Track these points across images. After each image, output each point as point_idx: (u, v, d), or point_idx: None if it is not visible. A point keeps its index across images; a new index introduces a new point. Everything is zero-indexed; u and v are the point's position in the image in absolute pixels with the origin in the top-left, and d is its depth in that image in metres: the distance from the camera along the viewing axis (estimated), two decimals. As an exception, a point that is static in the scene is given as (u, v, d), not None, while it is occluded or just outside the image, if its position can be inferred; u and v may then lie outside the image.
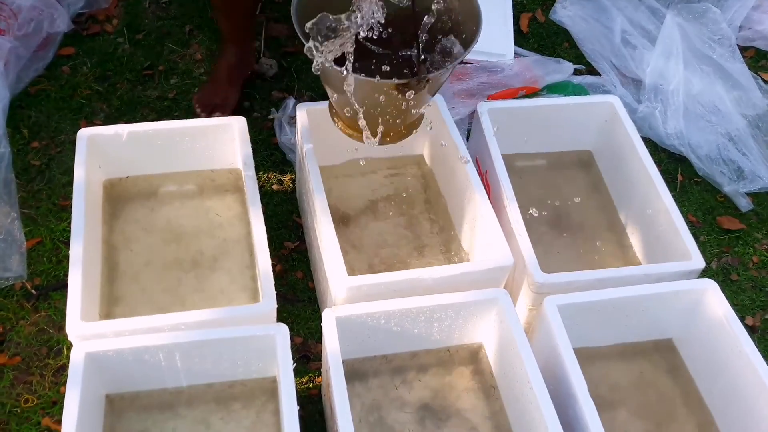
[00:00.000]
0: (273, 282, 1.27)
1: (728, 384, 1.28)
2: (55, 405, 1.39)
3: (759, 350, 1.24)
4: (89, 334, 1.18)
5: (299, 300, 1.59)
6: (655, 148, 1.89)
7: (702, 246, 1.71)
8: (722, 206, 1.80)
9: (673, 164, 1.87)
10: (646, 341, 1.42)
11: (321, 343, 1.51)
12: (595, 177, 1.72)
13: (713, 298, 1.29)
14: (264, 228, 1.34)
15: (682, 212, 1.44)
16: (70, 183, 1.73)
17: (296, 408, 1.11)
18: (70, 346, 1.46)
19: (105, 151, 1.51)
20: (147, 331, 1.19)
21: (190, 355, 1.21)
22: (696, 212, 1.78)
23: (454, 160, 1.51)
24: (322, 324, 1.25)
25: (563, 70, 1.98)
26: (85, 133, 1.48)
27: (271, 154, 1.82)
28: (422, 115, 1.38)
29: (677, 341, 1.42)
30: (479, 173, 1.50)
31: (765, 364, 1.20)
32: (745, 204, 1.77)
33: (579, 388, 1.15)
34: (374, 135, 1.30)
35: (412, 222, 1.62)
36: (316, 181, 1.40)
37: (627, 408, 1.35)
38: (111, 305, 1.41)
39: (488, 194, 1.46)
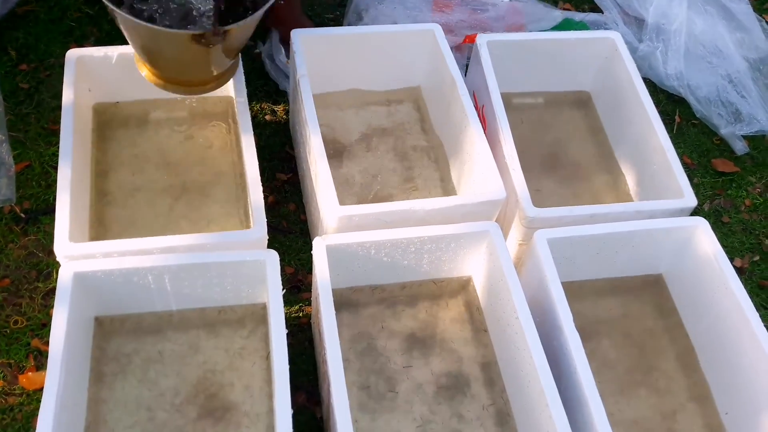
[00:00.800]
0: (264, 209, 1.26)
1: (713, 321, 1.29)
2: (45, 327, 1.40)
3: (746, 291, 1.26)
4: (78, 254, 1.18)
5: (291, 231, 1.59)
6: (653, 88, 1.87)
7: (695, 188, 1.70)
8: (718, 149, 1.79)
9: (671, 105, 1.86)
10: (635, 276, 1.43)
11: (312, 273, 1.52)
12: (592, 118, 1.70)
13: (703, 235, 1.30)
14: (255, 154, 1.33)
15: (677, 153, 1.43)
16: (60, 107, 1.70)
17: (285, 332, 1.12)
18: (59, 269, 1.47)
19: (94, 74, 1.48)
20: (137, 254, 1.19)
21: (180, 278, 1.21)
22: (691, 154, 1.78)
23: (451, 94, 1.49)
24: (313, 254, 1.25)
25: (552, 17, 1.93)
26: (73, 55, 1.45)
27: (265, 84, 1.79)
28: (235, 66, 1.39)
29: (667, 277, 1.43)
30: (476, 108, 1.49)
31: (750, 302, 1.21)
32: (740, 147, 1.76)
33: (564, 319, 1.16)
34: (176, 83, 1.31)
35: (406, 155, 1.60)
36: (309, 110, 1.37)
37: (611, 339, 1.37)
38: (100, 230, 1.41)
39: (484, 130, 1.44)
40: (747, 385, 1.20)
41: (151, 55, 1.29)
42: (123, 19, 1.16)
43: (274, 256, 1.20)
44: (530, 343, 1.13)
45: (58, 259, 1.20)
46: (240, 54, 1.40)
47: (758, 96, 1.80)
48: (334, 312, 1.15)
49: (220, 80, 1.37)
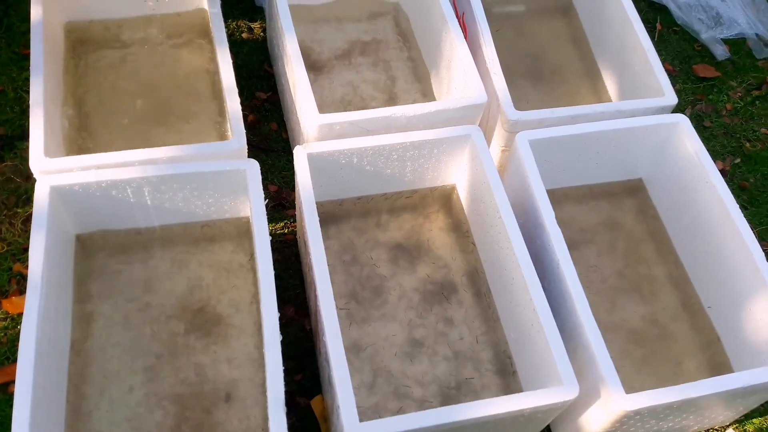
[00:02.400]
0: (242, 120, 1.24)
1: (694, 218, 1.31)
2: (26, 252, 1.39)
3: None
4: (54, 168, 1.15)
5: (273, 150, 1.57)
6: (635, -3, 1.84)
7: (678, 94, 1.68)
8: (699, 55, 1.78)
9: (652, 13, 1.83)
10: (616, 182, 1.43)
11: (295, 190, 1.51)
12: (573, 25, 1.67)
13: (684, 132, 1.29)
14: (231, 63, 1.30)
15: (659, 61, 1.42)
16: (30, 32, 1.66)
17: (268, 238, 1.11)
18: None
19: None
20: (114, 167, 1.16)
21: (160, 191, 1.19)
22: (673, 61, 1.76)
23: (431, 2, 1.45)
24: (294, 163, 1.23)
25: None
26: (38, -30, 1.39)
27: (240, 1, 1.74)
28: None
29: (647, 181, 1.43)
30: (456, 16, 1.45)
31: (730, 194, 1.22)
32: (721, 52, 1.75)
33: (546, 216, 1.16)
34: None
35: (387, 68, 1.58)
36: (285, 19, 1.34)
37: (596, 247, 1.38)
38: (76, 151, 1.38)
39: (465, 37, 1.42)
40: (728, 276, 1.22)
41: None
42: None
43: (254, 165, 1.19)
44: (513, 240, 1.13)
45: (34, 175, 1.18)
46: None
47: (738, 0, 1.78)
48: (318, 219, 1.14)
49: None
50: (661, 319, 1.30)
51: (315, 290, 1.10)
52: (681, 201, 1.34)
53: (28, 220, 1.43)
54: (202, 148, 1.22)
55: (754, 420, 1.31)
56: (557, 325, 1.06)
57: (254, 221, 1.15)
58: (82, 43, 1.51)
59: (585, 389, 1.05)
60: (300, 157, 1.21)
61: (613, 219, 1.42)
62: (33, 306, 1.02)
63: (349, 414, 0.95)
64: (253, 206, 1.16)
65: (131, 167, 1.16)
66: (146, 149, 1.19)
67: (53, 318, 1.08)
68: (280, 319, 1.05)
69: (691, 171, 1.29)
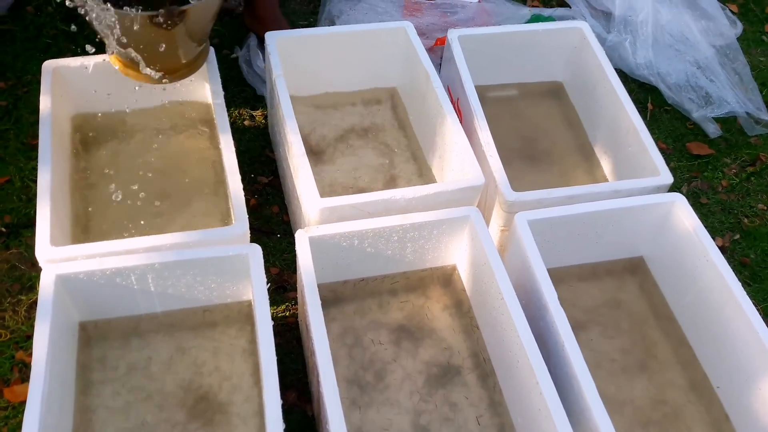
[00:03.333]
0: (245, 205, 1.26)
1: (697, 296, 1.31)
2: (29, 339, 1.38)
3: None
4: (59, 257, 1.17)
5: (274, 232, 1.59)
6: (624, 78, 1.90)
7: (672, 172, 1.71)
8: (692, 133, 1.82)
9: (643, 94, 1.89)
10: (617, 260, 1.44)
11: (297, 273, 1.52)
12: (566, 107, 1.72)
13: (682, 211, 1.31)
14: (233, 150, 1.33)
15: (652, 140, 1.45)
16: (38, 122, 1.71)
17: (270, 324, 1.12)
18: (42, 280, 1.46)
19: (72, 84, 1.48)
20: (119, 254, 1.18)
21: (163, 278, 1.20)
22: (666, 139, 1.80)
23: (426, 88, 1.51)
24: (296, 247, 1.25)
25: (520, 15, 1.97)
26: (50, 66, 1.45)
27: (242, 91, 1.80)
28: (204, 53, 1.44)
29: (648, 259, 1.44)
30: (451, 102, 1.50)
31: (732, 272, 1.23)
32: (713, 130, 1.79)
33: (549, 297, 1.16)
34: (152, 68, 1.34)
35: (385, 153, 1.61)
36: (286, 107, 1.38)
37: (600, 327, 1.37)
38: (82, 238, 1.40)
39: (460, 122, 1.46)
40: (735, 355, 1.21)
41: (119, 43, 1.31)
42: (90, 6, 1.20)
43: (257, 250, 1.20)
44: (516, 322, 1.13)
45: (40, 264, 1.19)
46: (209, 43, 1.44)
47: (726, 79, 1.84)
48: (319, 302, 1.14)
49: (191, 67, 1.40)
50: (669, 399, 1.28)
51: (318, 376, 1.09)
52: (683, 279, 1.34)
53: (31, 307, 1.43)
54: (205, 234, 1.23)
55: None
56: (564, 408, 1.05)
57: (256, 306, 1.15)
58: (89, 132, 1.55)
59: (594, 475, 1.03)
60: (302, 241, 1.23)
61: (616, 298, 1.42)
62: (36, 395, 1.01)
63: (353, 506, 0.93)
64: (255, 291, 1.17)
65: (135, 254, 1.17)
66: (150, 237, 1.21)
67: (56, 408, 1.07)
68: (282, 405, 1.04)
69: (691, 249, 1.30)
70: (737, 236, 1.64)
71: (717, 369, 1.27)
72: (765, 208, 1.70)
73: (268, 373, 1.06)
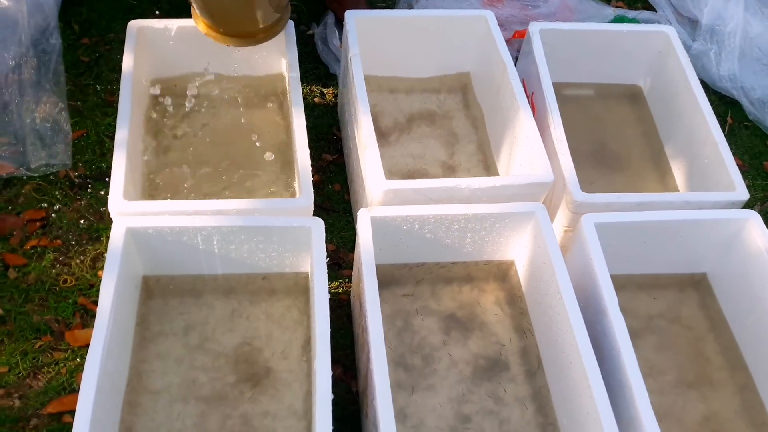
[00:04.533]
0: (311, 178, 1.28)
1: (760, 318, 1.27)
2: (92, 288, 1.44)
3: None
4: (130, 211, 1.20)
5: (335, 210, 1.60)
6: (706, 89, 1.84)
7: (747, 190, 1.67)
8: (770, 152, 1.77)
9: (723, 107, 1.83)
10: (679, 274, 1.41)
11: (353, 252, 1.53)
12: (642, 112, 1.68)
13: (754, 228, 1.27)
14: (304, 124, 1.35)
15: (728, 153, 1.41)
16: (118, 80, 1.76)
17: (327, 294, 1.13)
18: (109, 234, 1.50)
19: (153, 45, 1.52)
20: (187, 214, 1.21)
21: (228, 241, 1.23)
22: (743, 156, 1.75)
23: (502, 79, 1.49)
24: (356, 226, 1.26)
25: (603, 15, 1.92)
26: (134, 26, 1.49)
27: (315, 68, 1.82)
28: (283, 21, 1.46)
29: (711, 277, 1.40)
30: (525, 94, 1.48)
31: (802, 296, 1.19)
32: (794, 150, 1.73)
33: (609, 302, 1.15)
34: (228, 35, 1.39)
35: (452, 140, 1.61)
36: (360, 87, 1.39)
37: (655, 339, 1.34)
38: (150, 199, 1.44)
39: (533, 116, 1.44)
40: (794, 381, 1.18)
41: (202, 4, 1.36)
42: None
43: (320, 224, 1.22)
44: (573, 323, 1.12)
45: (112, 216, 1.23)
46: (289, 11, 1.47)
47: (813, 99, 1.77)
48: (376, 281, 1.15)
49: (269, 32, 1.43)
50: (719, 420, 1.25)
51: (368, 352, 1.10)
52: (747, 299, 1.30)
53: (97, 258, 1.48)
54: (271, 203, 1.26)
55: None
56: (614, 415, 1.03)
57: (315, 277, 1.17)
58: (164, 95, 1.59)
59: (638, 485, 1.01)
60: (363, 220, 1.24)
61: (674, 312, 1.39)
62: (99, 338, 1.05)
63: (393, 484, 0.94)
64: (315, 262, 1.18)
65: (203, 216, 1.20)
66: (218, 200, 1.24)
67: (115, 353, 1.10)
68: (329, 373, 1.06)
69: (760, 269, 1.26)
70: (808, 262, 1.58)
71: (775, 395, 1.24)
72: (841, 236, 1.63)
73: (321, 341, 1.07)
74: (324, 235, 1.21)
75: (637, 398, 1.04)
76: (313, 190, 1.26)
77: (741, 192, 1.32)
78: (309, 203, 1.25)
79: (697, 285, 1.41)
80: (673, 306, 1.39)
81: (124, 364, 1.20)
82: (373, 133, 1.32)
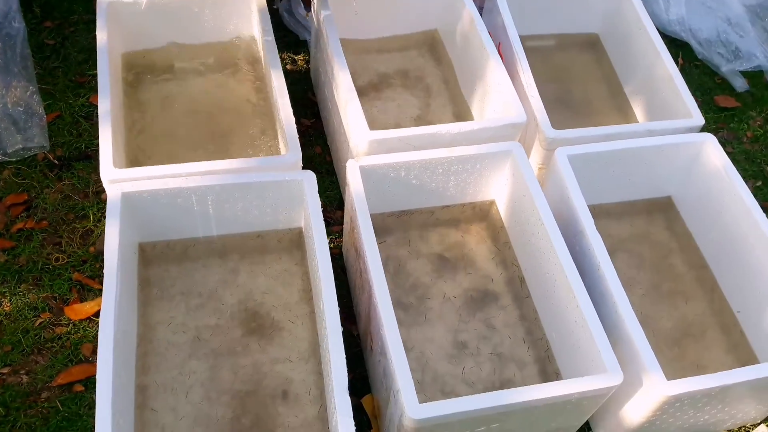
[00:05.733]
0: (297, 134, 1.32)
1: (723, 230, 1.37)
2: (85, 263, 1.46)
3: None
4: (122, 178, 1.22)
5: (318, 171, 1.65)
6: (655, 33, 1.95)
7: (700, 123, 1.79)
8: (719, 87, 1.88)
9: (674, 49, 1.94)
10: (647, 199, 1.50)
11: (340, 210, 1.59)
12: (601, 57, 1.78)
13: (712, 150, 1.37)
14: (285, 85, 1.39)
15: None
16: (86, 61, 1.77)
17: (326, 239, 1.18)
18: (95, 211, 1.53)
19: (124, 19, 1.54)
20: (180, 176, 1.24)
21: (222, 200, 1.27)
22: (695, 93, 1.86)
23: (470, 30, 1.56)
24: (346, 176, 1.31)
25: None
26: (104, 1, 1.50)
27: (284, 36, 1.86)
28: None
29: (675, 199, 1.50)
30: (491, 45, 1.55)
31: (757, 204, 1.29)
32: (740, 84, 1.84)
33: (586, 223, 1.23)
34: None
35: (425, 94, 1.67)
36: (334, 44, 1.44)
37: (628, 258, 1.44)
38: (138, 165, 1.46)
39: (500, 64, 1.51)
40: (756, 280, 1.28)
41: None
42: None
43: (311, 176, 1.27)
44: (555, 244, 1.20)
45: (104, 184, 1.25)
46: None
47: (755, 36, 1.89)
48: (369, 217, 1.21)
49: None
50: (691, 324, 1.35)
51: (370, 287, 1.16)
52: (709, 215, 1.41)
53: (86, 233, 1.50)
54: (261, 162, 1.30)
55: (789, 425, 1.34)
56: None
57: (313, 223, 1.21)
58: (139, 68, 1.61)
59: (626, 381, 1.10)
60: (352, 170, 1.29)
61: (644, 233, 1.48)
62: (110, 299, 1.07)
63: (409, 396, 1.00)
64: (311, 212, 1.23)
65: (197, 176, 1.24)
66: (208, 162, 1.27)
67: (126, 314, 1.14)
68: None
69: (719, 186, 1.36)
70: (759, 183, 1.70)
71: (738, 296, 1.35)
72: (788, 158, 1.76)
73: (326, 282, 1.13)
74: (316, 186, 1.26)
75: (618, 304, 1.13)
76: (299, 145, 1.31)
77: (697, 118, 1.41)
78: (297, 159, 1.30)
79: (663, 208, 1.51)
80: (643, 228, 1.49)
81: (132, 326, 1.23)
82: (353, 88, 1.37)
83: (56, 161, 1.60)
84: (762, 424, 1.33)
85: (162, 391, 1.20)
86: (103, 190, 1.56)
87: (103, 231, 1.50)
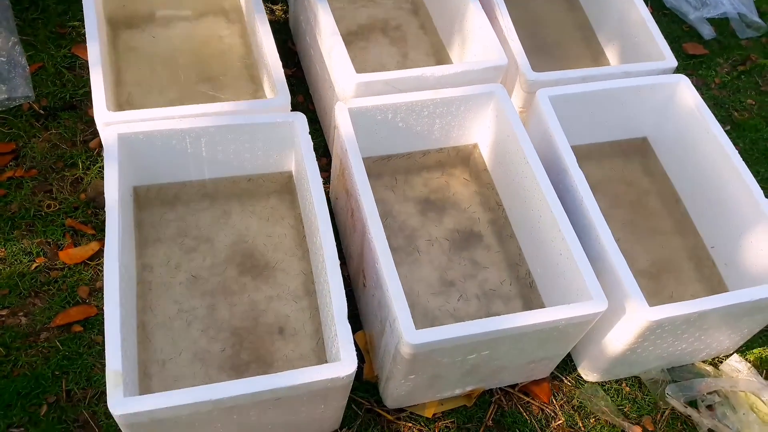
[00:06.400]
0: (285, 79, 1.35)
1: (697, 167, 1.44)
2: (77, 209, 1.47)
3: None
4: (117, 120, 1.24)
5: (300, 119, 1.67)
6: (627, -17, 2.00)
7: (670, 70, 1.86)
8: (688, 35, 1.94)
9: (643, -2, 2.00)
10: (623, 140, 1.57)
11: (325, 157, 1.62)
12: (573, 4, 1.82)
13: (685, 90, 1.44)
14: (269, 29, 1.41)
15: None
16: (65, 12, 1.76)
17: (320, 178, 1.22)
18: (84, 159, 1.54)
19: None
20: (173, 118, 1.26)
21: (215, 142, 1.29)
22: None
23: (447, -21, 1.59)
24: (334, 119, 1.34)
25: None
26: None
27: (263, -14, 1.86)
28: None
29: (651, 139, 1.57)
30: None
31: (729, 141, 1.36)
32: (708, 32, 1.91)
33: (569, 160, 1.29)
34: None
35: (404, 41, 1.70)
36: (319, -9, 1.46)
37: (607, 199, 1.51)
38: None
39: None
40: (730, 214, 1.36)
41: None
42: None
43: (302, 118, 1.30)
44: (540, 180, 1.25)
45: (98, 127, 1.27)
46: None
47: (723, -16, 1.96)
48: (361, 158, 1.24)
49: None
50: (667, 260, 1.43)
51: (364, 223, 1.20)
52: (684, 154, 1.48)
53: (76, 181, 1.51)
54: (251, 104, 1.32)
55: (755, 350, 1.44)
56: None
57: (305, 162, 1.25)
58: (120, 19, 1.61)
59: (610, 309, 1.16)
60: (341, 112, 1.32)
61: (621, 174, 1.55)
62: (113, 234, 1.10)
63: (406, 323, 1.06)
64: (304, 151, 1.26)
65: (191, 118, 1.26)
66: (200, 104, 1.29)
67: (125, 254, 1.16)
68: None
69: (693, 124, 1.43)
70: (728, 127, 1.78)
71: (712, 231, 1.42)
72: (753, 102, 1.84)
73: (321, 216, 1.17)
74: (307, 126, 1.29)
75: (601, 234, 1.19)
76: (287, 88, 1.34)
77: (670, 60, 1.47)
78: (286, 101, 1.32)
79: (639, 148, 1.58)
80: (619, 169, 1.55)
81: (131, 267, 1.26)
82: (337, 32, 1.40)
83: (42, 111, 1.60)
84: (735, 353, 1.42)
85: (161, 328, 1.24)
86: (91, 139, 1.57)
87: (93, 178, 1.52)
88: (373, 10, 1.76)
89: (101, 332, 1.31)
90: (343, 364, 1.02)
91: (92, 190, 1.49)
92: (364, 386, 1.31)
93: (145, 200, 1.37)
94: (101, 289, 1.34)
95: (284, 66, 1.74)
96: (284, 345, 1.25)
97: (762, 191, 1.29)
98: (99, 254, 1.41)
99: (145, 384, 1.17)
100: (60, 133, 1.58)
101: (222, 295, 1.30)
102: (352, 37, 1.69)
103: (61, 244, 1.43)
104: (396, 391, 1.23)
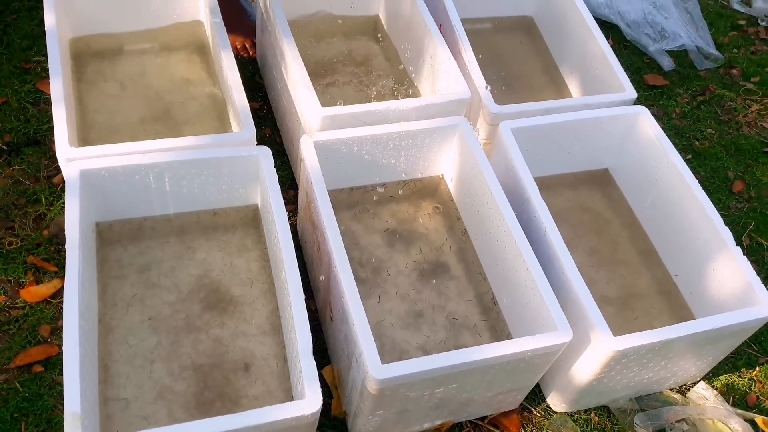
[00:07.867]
0: (250, 112, 1.35)
1: (658, 197, 1.47)
2: (39, 246, 1.45)
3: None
4: (79, 156, 1.23)
5: (267, 152, 1.68)
6: (588, 17, 2.05)
7: (631, 100, 1.90)
8: (648, 66, 1.99)
9: (604, 31, 2.03)
10: (585, 171, 1.59)
11: (292, 190, 1.62)
12: (536, 39, 1.86)
13: (645, 121, 1.47)
14: (235, 65, 1.42)
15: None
16: (30, 47, 1.76)
17: (285, 212, 1.22)
18: (47, 195, 1.52)
19: (70, 5, 1.53)
20: (136, 153, 1.25)
21: (179, 176, 1.29)
22: (625, 72, 1.96)
23: (412, 13, 1.61)
24: (300, 152, 1.34)
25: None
26: (49, -15, 1.50)
27: (230, 21, 1.87)
28: None
29: (612, 170, 1.60)
30: (433, 28, 1.61)
31: (690, 171, 1.39)
32: (667, 63, 1.96)
33: (532, 191, 1.30)
34: None
35: (371, 78, 1.72)
36: (282, 24, 1.47)
37: (570, 228, 1.52)
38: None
39: (443, 45, 1.57)
40: (691, 242, 1.38)
41: None
42: None
43: (266, 152, 1.30)
44: (504, 212, 1.26)
45: (60, 163, 1.26)
46: None
47: (678, 16, 2.01)
48: (326, 190, 1.25)
49: None
50: (632, 286, 1.45)
51: (329, 255, 1.20)
52: (645, 183, 1.50)
53: (39, 217, 1.49)
54: (216, 138, 1.32)
55: (721, 377, 1.45)
56: (548, 282, 1.19)
57: (271, 197, 1.24)
58: (85, 53, 1.61)
59: (575, 339, 1.17)
60: (307, 145, 1.33)
61: (583, 204, 1.57)
62: (73, 273, 1.08)
63: (371, 357, 1.05)
64: (269, 185, 1.26)
65: (154, 153, 1.25)
66: (164, 139, 1.29)
67: (87, 291, 1.15)
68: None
69: (654, 154, 1.46)
70: (689, 156, 1.82)
71: (675, 260, 1.44)
72: (713, 132, 1.88)
73: (286, 250, 1.16)
74: (272, 160, 1.30)
75: (565, 265, 1.21)
76: (253, 123, 1.34)
77: (630, 92, 1.51)
78: (252, 135, 1.32)
79: (602, 179, 1.60)
80: (582, 199, 1.58)
81: (93, 305, 1.24)
82: (303, 67, 1.41)
83: (5, 147, 1.58)
84: (701, 381, 1.44)
85: (124, 366, 1.21)
86: (55, 174, 1.55)
87: (56, 214, 1.50)
88: (338, 44, 1.78)
89: (63, 372, 1.28)
90: (308, 402, 1.01)
91: (55, 227, 1.47)
92: (332, 422, 1.29)
93: (108, 236, 1.36)
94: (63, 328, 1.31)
95: (251, 99, 1.76)
96: (250, 382, 1.24)
97: (722, 219, 1.31)
98: (61, 292, 1.38)
99: (107, 426, 1.15)
100: (23, 169, 1.56)
101: (186, 332, 1.28)
102: (318, 70, 1.71)
103: (23, 282, 1.40)
104: (364, 427, 1.21)
